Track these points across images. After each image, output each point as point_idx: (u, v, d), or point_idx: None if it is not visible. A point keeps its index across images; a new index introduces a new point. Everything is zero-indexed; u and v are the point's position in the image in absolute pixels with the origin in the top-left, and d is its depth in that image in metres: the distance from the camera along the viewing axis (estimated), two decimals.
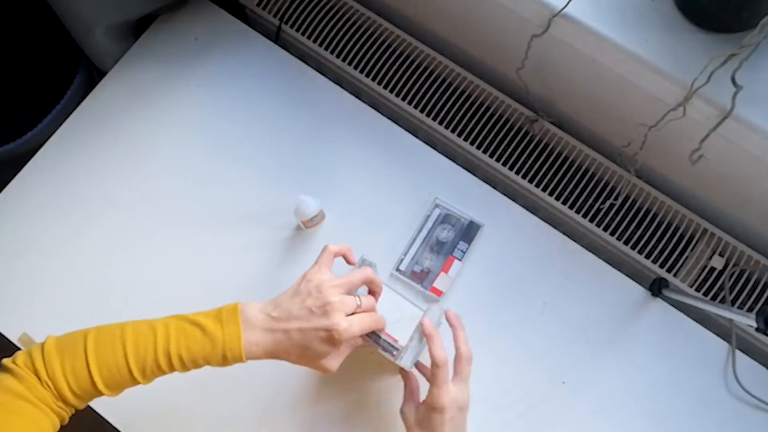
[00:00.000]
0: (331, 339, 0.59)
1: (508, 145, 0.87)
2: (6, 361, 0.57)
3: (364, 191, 0.84)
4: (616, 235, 0.83)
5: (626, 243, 0.83)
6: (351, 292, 0.64)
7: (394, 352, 0.69)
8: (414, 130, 0.88)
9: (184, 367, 0.59)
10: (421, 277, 0.80)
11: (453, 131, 0.88)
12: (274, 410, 0.77)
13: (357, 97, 0.88)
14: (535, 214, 0.84)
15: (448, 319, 0.69)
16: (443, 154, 0.86)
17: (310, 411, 0.77)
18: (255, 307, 0.61)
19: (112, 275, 0.82)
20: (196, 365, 0.59)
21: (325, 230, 0.83)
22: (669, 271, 0.82)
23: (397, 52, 0.90)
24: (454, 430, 0.63)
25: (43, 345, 0.57)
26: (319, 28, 0.91)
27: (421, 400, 0.66)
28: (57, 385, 0.55)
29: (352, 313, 0.62)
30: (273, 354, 0.61)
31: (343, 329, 0.59)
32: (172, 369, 0.59)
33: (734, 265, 0.81)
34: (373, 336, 0.68)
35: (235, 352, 0.59)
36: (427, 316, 0.67)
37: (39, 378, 0.55)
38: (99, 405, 0.77)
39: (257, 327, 0.60)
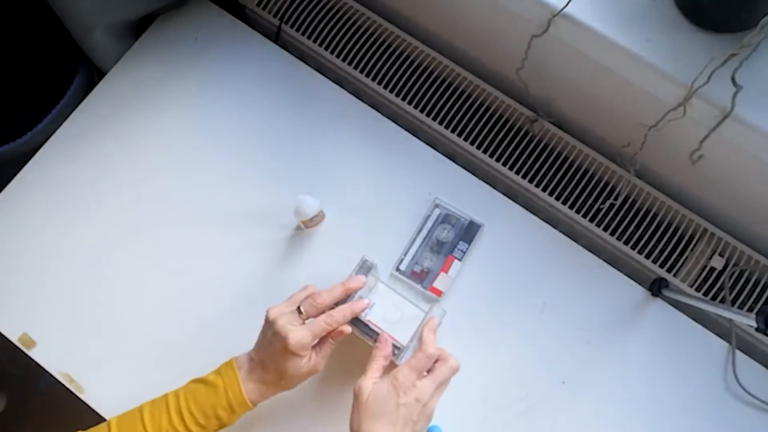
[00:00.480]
0: (287, 350, 0.64)
1: (508, 145, 0.87)
2: None
3: (364, 191, 0.84)
4: (616, 235, 0.83)
5: (626, 243, 0.83)
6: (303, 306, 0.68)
7: (395, 352, 0.69)
8: (414, 130, 0.88)
9: (196, 423, 0.64)
10: (421, 277, 0.80)
11: (453, 131, 0.88)
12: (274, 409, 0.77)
13: (357, 97, 0.88)
14: (535, 214, 0.84)
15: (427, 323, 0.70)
16: (443, 154, 0.86)
17: (310, 411, 0.77)
18: (242, 355, 0.68)
19: (113, 275, 0.82)
20: (207, 419, 0.64)
21: (325, 230, 0.83)
22: (669, 271, 0.82)
23: (397, 52, 0.91)
24: (407, 417, 0.61)
25: None
26: (319, 28, 0.92)
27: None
28: None
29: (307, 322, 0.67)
30: (269, 387, 0.66)
31: (293, 338, 0.64)
32: (185, 426, 0.64)
33: (734, 265, 0.81)
34: (371, 333, 0.69)
35: (236, 393, 0.64)
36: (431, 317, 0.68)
37: None
38: (102, 408, 0.77)
39: (248, 370, 0.66)
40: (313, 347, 0.67)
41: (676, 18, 0.65)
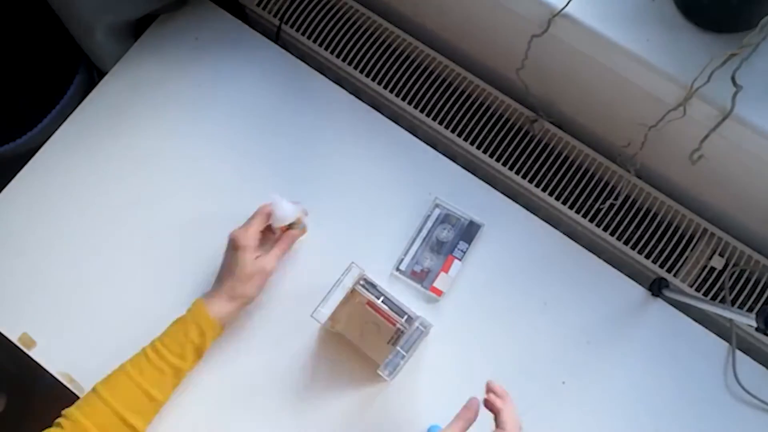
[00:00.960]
0: (235, 247, 0.72)
1: (508, 145, 0.87)
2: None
3: (364, 191, 0.84)
4: (616, 235, 0.83)
5: (626, 243, 0.83)
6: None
7: (401, 320, 0.71)
8: (414, 130, 0.88)
9: (173, 353, 0.69)
10: (422, 276, 0.80)
11: (453, 131, 0.88)
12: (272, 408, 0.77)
13: (357, 97, 0.88)
14: (535, 214, 0.84)
15: (494, 391, 0.65)
16: (443, 154, 0.86)
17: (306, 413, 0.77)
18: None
19: (113, 275, 0.82)
20: (182, 345, 0.69)
21: (324, 230, 0.83)
22: (669, 271, 0.82)
23: (397, 52, 0.90)
24: None
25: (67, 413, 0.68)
26: (319, 28, 0.92)
27: None
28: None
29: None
30: (231, 302, 0.72)
31: (235, 231, 0.74)
32: (164, 359, 0.68)
33: (734, 265, 0.81)
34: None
35: (202, 315, 0.70)
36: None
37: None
38: None
39: (210, 297, 0.73)
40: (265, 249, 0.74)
41: (676, 18, 0.65)
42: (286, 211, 0.76)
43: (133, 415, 0.66)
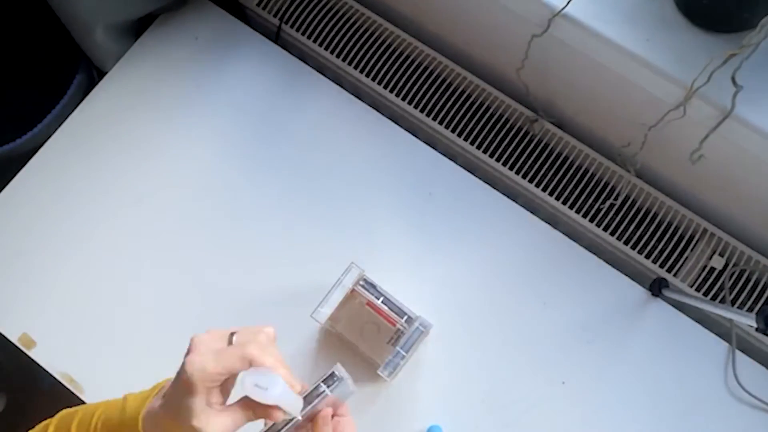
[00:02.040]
0: (179, 377, 0.46)
1: (508, 145, 0.87)
2: None
3: (363, 191, 0.84)
4: (616, 235, 0.83)
5: (626, 243, 0.83)
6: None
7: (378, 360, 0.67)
8: (414, 130, 0.88)
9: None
10: None
11: (453, 131, 0.88)
12: None
13: (357, 97, 0.88)
14: (535, 214, 0.84)
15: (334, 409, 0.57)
16: (443, 154, 0.86)
17: None
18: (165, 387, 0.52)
19: (113, 275, 0.82)
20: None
21: (324, 230, 0.83)
22: (669, 271, 0.82)
23: (397, 52, 0.90)
24: None
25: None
26: (319, 28, 0.91)
27: None
28: None
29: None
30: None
31: (191, 357, 0.46)
32: None
33: (734, 265, 0.81)
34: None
35: (133, 415, 0.50)
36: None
37: None
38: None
39: (154, 410, 0.49)
40: (228, 403, 0.48)
41: (676, 18, 0.65)
42: (286, 400, 0.49)
43: None
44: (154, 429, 0.48)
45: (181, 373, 0.46)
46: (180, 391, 0.46)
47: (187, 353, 0.47)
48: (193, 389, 0.45)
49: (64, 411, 0.58)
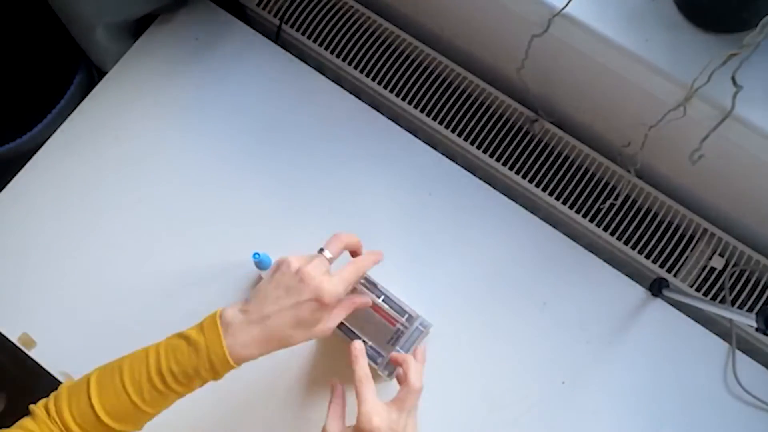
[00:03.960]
0: (322, 304, 0.59)
1: (508, 145, 0.87)
2: (32, 405, 0.60)
3: (363, 191, 0.84)
4: (616, 235, 0.83)
5: (626, 243, 0.83)
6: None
7: (378, 360, 0.70)
8: (414, 130, 0.88)
9: (180, 384, 0.59)
10: None
11: (453, 131, 0.88)
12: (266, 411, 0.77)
13: (357, 97, 0.88)
14: (535, 214, 0.84)
15: (414, 352, 0.68)
16: (443, 154, 0.86)
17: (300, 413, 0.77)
18: (233, 308, 0.61)
19: (112, 275, 0.82)
20: (189, 379, 0.59)
21: (323, 230, 0.83)
22: (669, 271, 0.82)
23: (397, 52, 0.90)
24: None
25: (59, 387, 0.60)
26: (319, 28, 0.91)
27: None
28: (64, 421, 0.57)
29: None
30: (267, 344, 0.59)
31: (330, 289, 0.59)
32: (168, 388, 0.58)
33: (734, 265, 0.81)
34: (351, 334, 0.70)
35: (220, 355, 0.58)
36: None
37: (49, 416, 0.58)
38: None
39: (237, 327, 0.59)
40: None
41: (676, 18, 0.65)
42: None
43: (123, 425, 0.59)
44: (253, 348, 0.59)
45: (318, 299, 0.58)
46: (313, 309, 0.59)
47: (289, 273, 0.60)
48: (328, 307, 0.60)
49: (70, 383, 0.60)
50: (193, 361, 0.58)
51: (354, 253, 0.67)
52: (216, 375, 0.59)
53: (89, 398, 0.58)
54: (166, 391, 0.58)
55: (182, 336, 0.60)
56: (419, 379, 0.62)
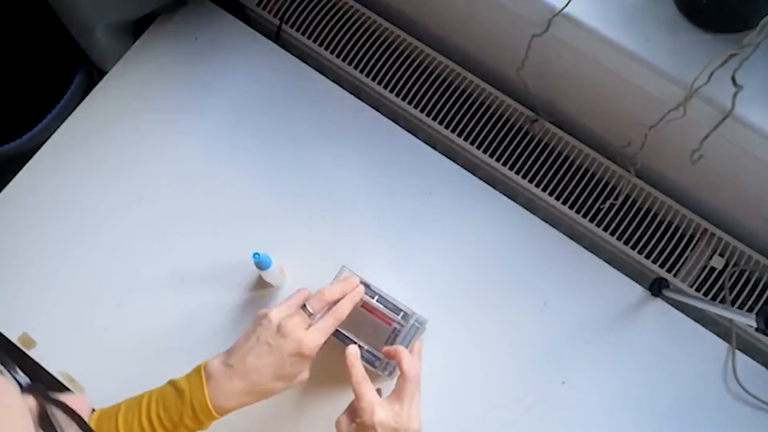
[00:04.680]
0: (302, 356, 0.62)
1: (508, 145, 0.87)
2: None
3: (363, 191, 0.84)
4: (616, 235, 0.83)
5: (626, 243, 0.83)
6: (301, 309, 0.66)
7: (376, 363, 0.70)
8: (414, 130, 0.88)
9: (167, 430, 0.61)
10: None
11: (453, 131, 0.88)
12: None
13: (357, 97, 0.88)
14: (535, 214, 0.84)
15: (411, 349, 0.69)
16: (443, 154, 0.86)
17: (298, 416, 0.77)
18: (216, 360, 0.64)
19: (113, 275, 0.82)
20: (175, 425, 0.61)
21: (325, 230, 0.83)
22: (669, 271, 0.82)
23: (397, 52, 0.90)
24: None
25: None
26: (319, 28, 0.91)
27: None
28: None
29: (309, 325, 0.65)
30: (249, 396, 0.62)
31: (309, 343, 0.62)
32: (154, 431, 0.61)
33: (734, 265, 0.81)
34: (346, 340, 0.70)
35: (202, 404, 0.61)
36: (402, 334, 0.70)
37: None
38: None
39: (220, 379, 0.62)
40: None
41: (676, 18, 0.65)
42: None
43: None
44: (235, 400, 0.62)
45: (299, 353, 0.62)
46: (295, 363, 0.62)
47: (269, 328, 0.63)
48: (307, 359, 0.63)
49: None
50: (179, 407, 0.61)
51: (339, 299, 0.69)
52: (200, 424, 0.62)
53: None
54: None
55: (172, 383, 0.64)
56: (413, 366, 0.63)
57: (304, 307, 0.65)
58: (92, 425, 0.59)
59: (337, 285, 0.68)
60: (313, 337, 0.63)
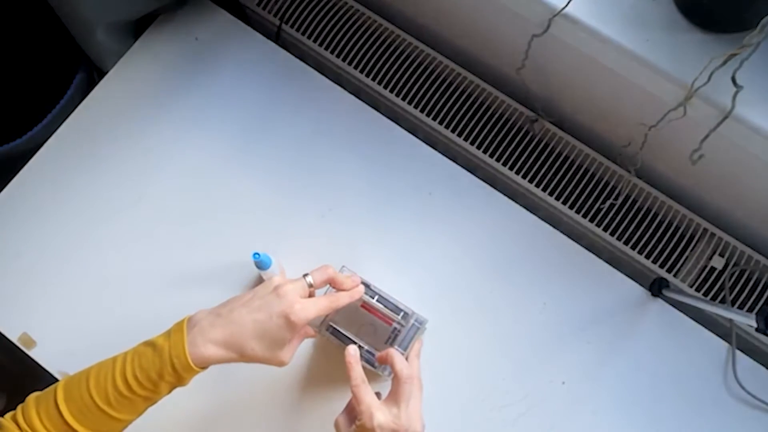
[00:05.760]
0: (289, 323, 0.59)
1: (508, 145, 0.87)
2: None
3: (363, 191, 0.84)
4: (616, 235, 0.83)
5: (626, 243, 0.83)
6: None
7: (376, 364, 0.70)
8: (414, 130, 0.88)
9: (145, 389, 0.59)
10: None
11: (453, 131, 0.88)
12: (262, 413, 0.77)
13: (357, 96, 0.88)
14: (535, 214, 0.84)
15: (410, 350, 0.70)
16: (443, 154, 0.86)
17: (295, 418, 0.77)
18: (203, 311, 0.62)
19: (111, 275, 0.82)
20: (154, 384, 0.59)
21: (322, 231, 0.83)
22: (669, 271, 0.82)
23: (397, 52, 0.90)
24: None
25: (26, 399, 0.60)
26: (319, 28, 0.91)
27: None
28: (35, 429, 0.57)
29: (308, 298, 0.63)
30: (227, 347, 0.59)
31: (299, 310, 0.59)
32: (133, 393, 0.58)
33: (734, 265, 0.81)
34: (345, 340, 0.71)
35: (181, 358, 0.58)
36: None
37: (19, 426, 0.57)
38: None
39: (203, 325, 0.60)
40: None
41: (676, 18, 0.65)
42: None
43: (78, 425, 0.58)
44: (214, 353, 0.59)
45: (286, 317, 0.59)
46: (280, 328, 0.59)
47: (269, 287, 0.61)
48: (294, 328, 0.60)
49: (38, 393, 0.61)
50: (156, 365, 0.59)
51: (338, 287, 0.68)
52: (179, 379, 0.59)
53: (56, 405, 0.57)
54: (131, 396, 0.58)
55: (148, 343, 0.61)
56: (406, 367, 0.62)
57: (306, 276, 0.64)
58: (60, 393, 0.58)
59: (342, 274, 0.68)
60: (305, 306, 0.60)
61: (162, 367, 0.59)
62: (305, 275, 0.64)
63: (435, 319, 0.76)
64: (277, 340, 0.60)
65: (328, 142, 0.86)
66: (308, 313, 0.60)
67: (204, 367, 0.60)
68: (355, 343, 0.70)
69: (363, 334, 0.71)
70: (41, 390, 0.61)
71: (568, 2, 0.65)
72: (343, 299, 0.65)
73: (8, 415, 0.59)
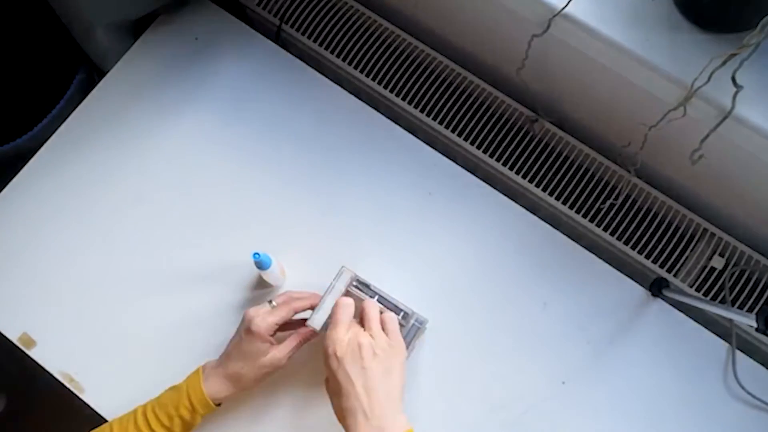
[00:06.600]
0: (251, 333, 0.67)
1: (508, 145, 0.87)
2: None
3: (363, 190, 0.84)
4: (616, 235, 0.83)
5: (626, 243, 0.83)
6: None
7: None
8: (414, 130, 0.88)
9: (162, 426, 0.67)
10: None
11: (453, 131, 0.88)
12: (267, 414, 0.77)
13: (357, 96, 0.88)
14: (535, 214, 0.84)
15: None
16: (443, 154, 0.86)
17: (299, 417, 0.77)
18: (214, 359, 0.72)
19: (112, 275, 0.82)
20: (171, 418, 0.67)
21: (325, 230, 0.83)
22: (669, 271, 0.82)
23: (397, 52, 0.91)
24: (348, 376, 0.61)
25: None
26: (319, 28, 0.92)
27: None
28: None
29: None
30: (226, 381, 0.69)
31: (259, 321, 0.67)
32: (151, 429, 0.66)
33: (734, 265, 0.81)
34: None
35: (197, 392, 0.67)
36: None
37: None
38: (102, 408, 0.77)
39: (210, 369, 0.70)
40: (278, 341, 0.70)
41: (676, 18, 0.65)
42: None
43: None
44: (219, 386, 0.69)
45: (248, 330, 0.68)
46: (248, 341, 0.68)
47: (246, 324, 0.68)
48: (260, 337, 0.67)
49: None
50: (174, 400, 0.68)
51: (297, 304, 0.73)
52: (194, 413, 0.67)
53: None
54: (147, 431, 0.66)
55: (169, 387, 0.70)
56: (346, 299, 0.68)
57: (270, 301, 0.71)
58: None
59: (314, 295, 0.74)
60: (264, 317, 0.68)
61: (179, 401, 0.67)
62: (270, 301, 0.71)
63: (435, 318, 0.77)
64: (253, 352, 0.68)
65: (328, 142, 0.86)
66: (267, 320, 0.68)
67: (216, 403, 0.69)
68: None
69: None
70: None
71: (568, 2, 0.65)
72: (301, 304, 0.72)
73: None
